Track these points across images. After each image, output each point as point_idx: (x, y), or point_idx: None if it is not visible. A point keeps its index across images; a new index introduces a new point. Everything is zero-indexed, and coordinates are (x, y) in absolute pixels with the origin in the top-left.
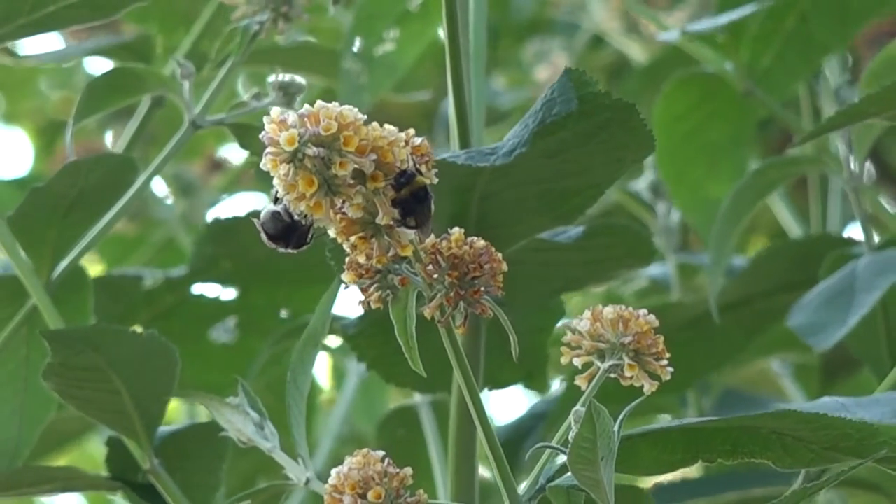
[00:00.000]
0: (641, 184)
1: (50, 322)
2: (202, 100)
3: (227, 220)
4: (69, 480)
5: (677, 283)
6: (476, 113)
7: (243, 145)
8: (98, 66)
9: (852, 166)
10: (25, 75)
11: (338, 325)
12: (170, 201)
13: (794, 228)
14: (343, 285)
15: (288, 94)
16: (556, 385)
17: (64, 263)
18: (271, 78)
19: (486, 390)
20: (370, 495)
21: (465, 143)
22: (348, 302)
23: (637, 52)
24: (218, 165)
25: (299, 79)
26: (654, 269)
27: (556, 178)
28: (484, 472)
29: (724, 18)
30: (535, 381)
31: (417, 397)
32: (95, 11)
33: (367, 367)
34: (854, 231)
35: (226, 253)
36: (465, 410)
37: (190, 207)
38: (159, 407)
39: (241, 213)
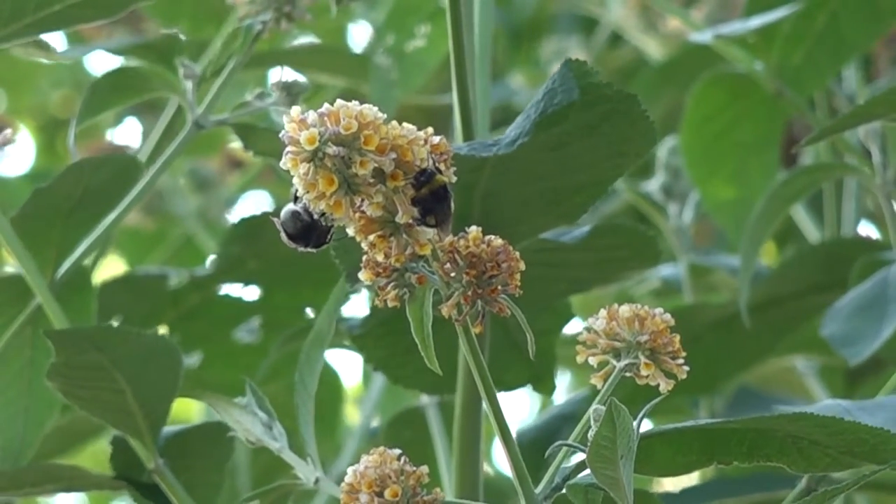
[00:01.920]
0: (653, 185)
1: (55, 322)
2: (205, 100)
3: (254, 218)
4: (74, 479)
5: (689, 284)
6: (481, 114)
7: (247, 146)
8: (100, 64)
9: (886, 172)
10: (26, 72)
11: (344, 325)
12: (185, 197)
13: (809, 229)
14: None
15: (291, 95)
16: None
17: (68, 264)
18: (274, 78)
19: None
20: (387, 493)
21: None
22: (354, 302)
23: (654, 50)
24: (238, 163)
25: (302, 79)
26: (665, 270)
27: (559, 174)
28: (489, 469)
29: (757, 21)
30: (543, 383)
31: (425, 398)
32: (100, 11)
33: (374, 368)
34: (863, 230)
35: (252, 253)
36: (470, 410)
37: (207, 204)
38: (164, 406)
39: (268, 211)
